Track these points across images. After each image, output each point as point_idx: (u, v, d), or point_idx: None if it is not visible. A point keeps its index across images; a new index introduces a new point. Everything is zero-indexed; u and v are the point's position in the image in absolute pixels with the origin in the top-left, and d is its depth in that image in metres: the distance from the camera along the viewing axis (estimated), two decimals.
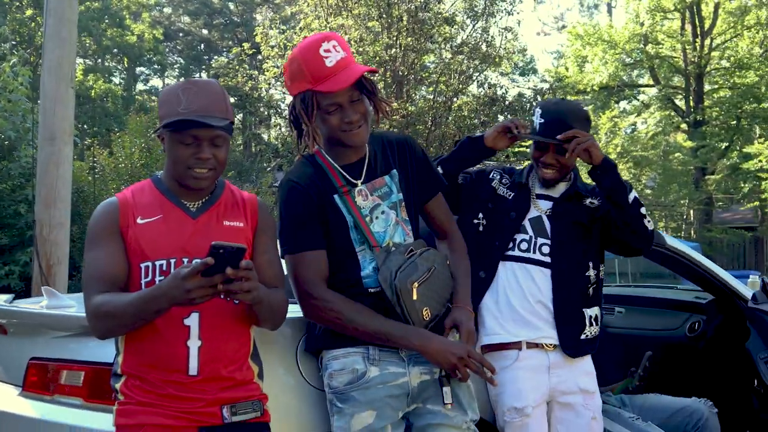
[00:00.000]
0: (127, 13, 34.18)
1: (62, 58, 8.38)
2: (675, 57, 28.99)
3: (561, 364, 3.54)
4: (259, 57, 20.35)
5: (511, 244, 3.60)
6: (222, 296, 2.50)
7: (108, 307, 2.50)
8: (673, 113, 30.05)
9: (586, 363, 3.63)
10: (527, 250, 3.58)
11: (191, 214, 2.68)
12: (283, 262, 2.93)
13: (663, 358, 5.05)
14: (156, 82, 41.83)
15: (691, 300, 5.34)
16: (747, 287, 4.80)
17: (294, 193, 2.95)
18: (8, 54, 13.79)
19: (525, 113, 20.12)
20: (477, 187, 3.71)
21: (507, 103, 18.06)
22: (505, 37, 17.79)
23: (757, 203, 27.60)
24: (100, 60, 36.03)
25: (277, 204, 3.05)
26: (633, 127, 31.30)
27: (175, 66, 41.33)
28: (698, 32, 28.06)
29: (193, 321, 2.57)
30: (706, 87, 29.02)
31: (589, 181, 3.67)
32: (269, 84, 17.47)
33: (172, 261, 2.58)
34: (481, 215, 3.66)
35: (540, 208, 3.66)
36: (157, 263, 2.59)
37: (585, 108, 3.77)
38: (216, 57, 41.93)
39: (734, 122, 28.60)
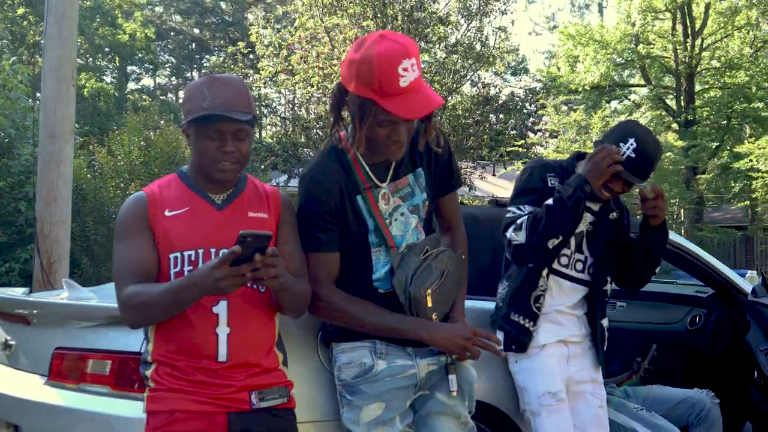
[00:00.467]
0: (119, 12, 34.11)
1: (63, 57, 8.40)
2: (666, 57, 29.10)
3: (577, 354, 3.65)
4: (252, 56, 20.37)
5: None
6: (250, 284, 2.59)
7: (140, 298, 2.57)
8: (664, 113, 30.16)
9: (594, 355, 3.74)
10: (567, 266, 3.64)
11: (217, 206, 2.75)
12: None
13: (664, 350, 5.15)
14: (147, 81, 41.77)
15: (691, 294, 5.44)
16: (746, 281, 4.91)
17: (315, 191, 2.92)
18: (4, 52, 13.79)
19: (517, 113, 20.22)
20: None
21: (501, 102, 18.13)
22: (499, 36, 17.89)
23: (747, 202, 27.75)
24: (91, 59, 35.96)
25: (298, 196, 3.03)
26: None
27: (166, 65, 41.25)
28: (689, 32, 28.17)
29: (221, 309, 2.64)
30: (697, 87, 29.13)
31: None
32: (264, 83, 17.47)
33: (200, 251, 2.66)
34: None
35: (585, 220, 3.66)
36: (186, 254, 2.66)
37: None
38: (207, 56, 41.91)
39: (725, 122, 28.73)
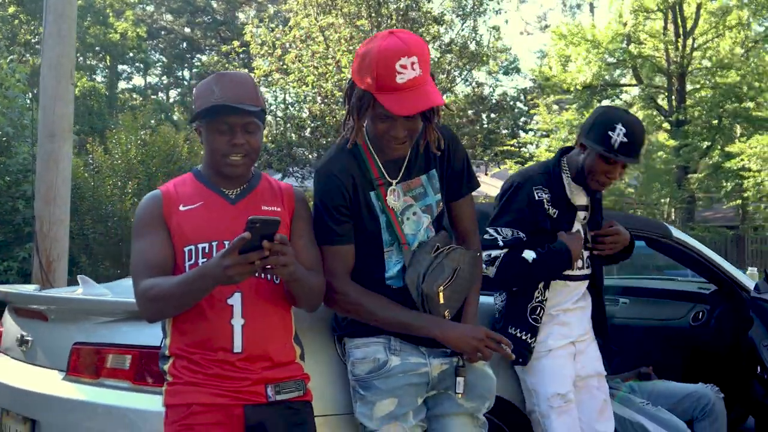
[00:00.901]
0: (111, 11, 34.03)
1: (62, 55, 8.40)
2: (657, 57, 29.20)
3: (582, 350, 3.69)
4: (243, 56, 20.38)
5: None
6: (258, 274, 2.62)
7: (156, 290, 2.61)
8: (655, 112, 30.27)
9: (597, 346, 3.80)
10: (581, 267, 3.69)
11: (230, 200, 2.79)
12: None
13: (668, 346, 5.21)
14: (138, 80, 41.67)
15: (694, 290, 5.50)
16: (748, 278, 4.96)
17: (330, 184, 2.95)
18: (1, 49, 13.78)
19: (509, 112, 20.30)
20: (536, 219, 3.56)
21: (495, 101, 18.19)
22: (493, 36, 17.95)
23: (739, 201, 27.87)
24: (82, 58, 35.86)
25: (313, 190, 3.07)
26: None
27: (157, 64, 41.16)
28: (680, 32, 28.28)
29: (236, 300, 2.67)
30: (688, 86, 29.24)
31: None
32: (258, 82, 17.48)
33: (214, 244, 2.69)
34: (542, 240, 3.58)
35: (579, 218, 3.70)
36: (200, 246, 2.70)
37: None
38: (199, 55, 41.82)
39: (716, 121, 28.87)
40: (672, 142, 27.59)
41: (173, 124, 14.55)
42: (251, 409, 2.66)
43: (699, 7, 28.05)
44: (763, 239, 27.81)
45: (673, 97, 28.81)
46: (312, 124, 16.86)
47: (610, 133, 3.43)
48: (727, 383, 4.58)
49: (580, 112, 27.82)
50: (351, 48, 16.16)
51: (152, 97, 38.02)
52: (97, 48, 34.64)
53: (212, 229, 2.71)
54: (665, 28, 28.94)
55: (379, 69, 2.72)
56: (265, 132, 22.63)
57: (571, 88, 29.09)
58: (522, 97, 20.91)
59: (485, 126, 19.72)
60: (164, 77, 42.67)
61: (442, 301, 2.94)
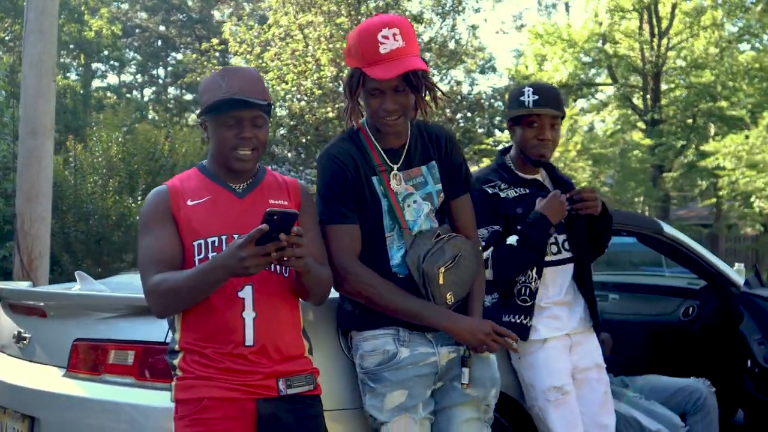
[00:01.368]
0: (86, 9, 33.74)
1: (43, 52, 8.32)
2: (633, 56, 29.40)
3: (579, 342, 3.70)
4: (218, 54, 20.30)
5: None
6: (273, 266, 2.64)
7: (167, 284, 2.60)
8: (630, 112, 30.50)
9: (595, 339, 3.81)
10: (558, 253, 3.71)
11: (238, 194, 2.79)
12: None
13: (659, 341, 5.25)
14: (113, 78, 41.38)
15: (684, 286, 5.55)
16: (737, 273, 5.01)
17: (334, 167, 3.03)
18: None
19: (486, 111, 20.34)
20: (499, 212, 3.61)
21: (474, 100, 18.23)
22: (472, 34, 17.99)
23: (714, 200, 28.12)
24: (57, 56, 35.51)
25: (317, 177, 3.13)
26: (591, 125, 31.71)
27: (132, 62, 40.88)
28: (655, 32, 28.50)
29: (246, 293, 2.67)
30: (663, 86, 29.47)
31: None
32: None
33: (223, 237, 2.69)
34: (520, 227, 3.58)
35: (540, 203, 3.70)
36: (209, 240, 2.69)
37: None
38: (174, 54, 41.58)
39: (690, 121, 29.13)
40: (647, 141, 27.82)
41: (149, 122, 14.37)
42: (263, 403, 2.66)
43: (674, 7, 28.29)
44: (737, 237, 28.09)
45: (648, 96, 29.03)
46: (291, 122, 16.82)
47: (521, 98, 3.63)
48: (718, 377, 4.62)
49: None
50: (330, 46, 16.16)
51: (127, 95, 37.73)
52: (71, 46, 34.33)
53: (221, 223, 2.71)
54: (640, 27, 29.16)
55: (362, 43, 2.91)
56: None
57: None
58: (498, 96, 20.92)
59: (461, 125, 19.71)
60: (139, 75, 42.39)
61: (442, 281, 2.98)
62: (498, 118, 23.88)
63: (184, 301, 2.63)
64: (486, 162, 25.44)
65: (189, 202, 2.74)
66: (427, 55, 17.27)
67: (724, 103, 28.28)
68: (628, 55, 29.57)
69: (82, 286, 3.74)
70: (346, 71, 14.96)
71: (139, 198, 10.03)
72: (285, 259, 2.46)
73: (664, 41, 28.43)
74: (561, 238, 3.70)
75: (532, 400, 3.60)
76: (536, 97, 3.59)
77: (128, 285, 4.06)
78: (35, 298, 3.61)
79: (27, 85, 8.29)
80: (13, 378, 3.54)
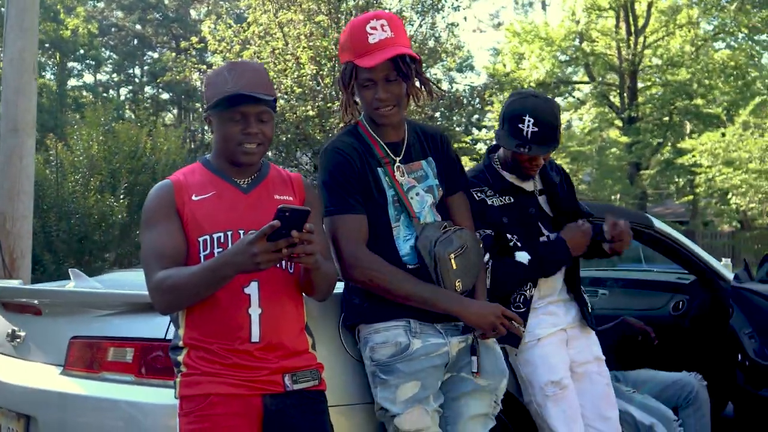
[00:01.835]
0: (61, 7, 33.51)
1: (25, 49, 8.23)
2: (609, 54, 29.59)
3: (576, 336, 3.71)
4: (195, 53, 20.21)
5: None
6: (283, 263, 2.63)
7: (172, 280, 2.57)
8: (607, 109, 30.67)
9: (593, 333, 3.82)
10: None
11: (243, 189, 2.77)
12: None
13: (649, 336, 5.27)
14: (88, 77, 41.08)
15: (673, 281, 5.58)
16: (726, 268, 5.05)
17: (339, 159, 3.06)
18: None
19: (466, 108, 20.37)
20: (487, 219, 3.57)
21: (453, 98, 18.24)
22: (452, 32, 17.99)
23: (691, 197, 28.33)
24: None
25: (320, 169, 3.16)
26: (568, 122, 31.86)
27: (108, 61, 40.61)
28: (632, 30, 28.68)
29: (252, 289, 2.66)
30: (640, 84, 29.68)
31: None
32: None
33: (229, 233, 2.67)
34: (509, 236, 3.58)
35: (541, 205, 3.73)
36: (215, 236, 2.67)
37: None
38: (150, 53, 41.37)
39: (667, 119, 29.34)
40: (624, 139, 27.99)
41: (125, 121, 14.30)
42: (269, 398, 2.65)
43: (650, 5, 28.49)
44: (714, 234, 28.30)
45: (625, 94, 29.22)
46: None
47: (519, 125, 3.46)
48: (708, 371, 4.65)
49: None
50: (310, 44, 16.11)
51: (104, 95, 37.48)
52: (47, 45, 34.07)
53: (227, 218, 2.69)
54: (617, 26, 29.34)
55: (352, 36, 3.03)
56: None
57: (525, 85, 29.35)
58: (478, 94, 20.96)
59: (439, 123, 19.74)
60: (115, 75, 42.11)
61: (454, 266, 3.01)
62: (476, 117, 23.97)
63: (189, 298, 2.60)
64: (465, 161, 25.54)
65: (194, 197, 2.72)
66: None
67: (700, 101, 28.53)
68: (604, 53, 29.76)
69: (76, 283, 3.70)
70: (326, 69, 14.92)
71: (122, 197, 9.95)
72: (295, 255, 2.44)
73: (641, 39, 28.62)
74: (553, 236, 3.70)
75: (530, 396, 3.60)
76: (536, 129, 3.44)
77: (123, 282, 4.03)
78: (32, 296, 3.57)
79: (8, 83, 8.20)
80: (8, 377, 3.50)
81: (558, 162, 3.82)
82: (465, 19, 26.90)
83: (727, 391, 4.86)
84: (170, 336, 2.88)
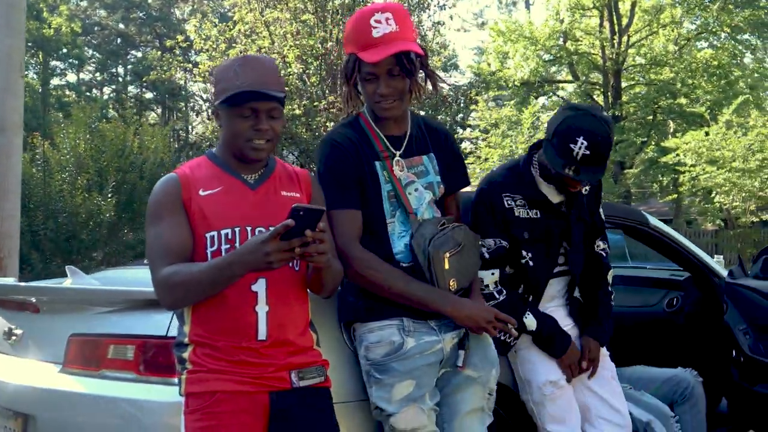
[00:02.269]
0: (44, 6, 33.31)
1: (12, 47, 8.18)
2: (593, 54, 29.68)
3: (575, 335, 3.71)
4: (179, 52, 20.16)
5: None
6: (293, 262, 2.61)
7: (180, 276, 2.54)
8: None
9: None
10: (564, 264, 3.70)
11: (250, 185, 2.74)
12: None
13: (644, 332, 5.29)
14: (71, 77, 40.87)
15: (667, 277, 5.60)
16: (720, 265, 5.08)
17: (335, 152, 3.04)
18: None
19: (451, 107, 20.39)
20: (507, 229, 3.50)
21: (440, 97, 18.24)
22: (438, 31, 17.99)
23: (675, 196, 28.45)
24: None
25: (317, 161, 3.13)
26: None
27: (91, 60, 40.41)
28: (616, 29, 28.76)
29: (260, 287, 2.63)
30: (624, 83, 29.77)
31: None
32: (203, 77, 17.30)
33: (237, 229, 2.64)
34: (524, 252, 3.53)
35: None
36: (222, 232, 2.64)
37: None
38: (133, 52, 41.20)
39: (650, 118, 29.46)
40: None
41: (109, 120, 14.20)
42: (276, 395, 2.63)
43: (633, 5, 28.59)
44: (698, 233, 28.40)
45: (609, 93, 29.29)
46: None
47: (571, 145, 3.27)
48: (703, 367, 4.67)
49: (518, 108, 28.13)
50: (296, 43, 16.09)
51: (87, 94, 37.30)
52: (30, 43, 33.86)
53: (234, 214, 2.66)
54: (601, 25, 29.43)
55: (356, 28, 3.00)
56: (209, 128, 22.50)
57: (510, 85, 29.41)
58: (462, 93, 20.98)
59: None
60: (98, 74, 41.91)
61: (447, 266, 3.00)
62: (461, 116, 23.96)
63: (197, 295, 2.58)
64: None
65: (201, 192, 2.68)
66: None
67: (683, 100, 28.66)
68: (588, 52, 29.86)
69: (73, 280, 3.67)
70: (312, 68, 14.87)
71: (109, 195, 9.89)
72: (307, 255, 2.42)
73: (624, 39, 28.71)
74: (568, 248, 3.68)
75: (528, 394, 3.59)
76: (587, 152, 3.24)
77: (119, 280, 4.01)
78: (31, 294, 3.53)
79: None
80: (5, 375, 3.47)
81: None
82: (451, 18, 26.79)
83: (721, 387, 4.88)
84: (172, 333, 2.86)
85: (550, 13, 29.96)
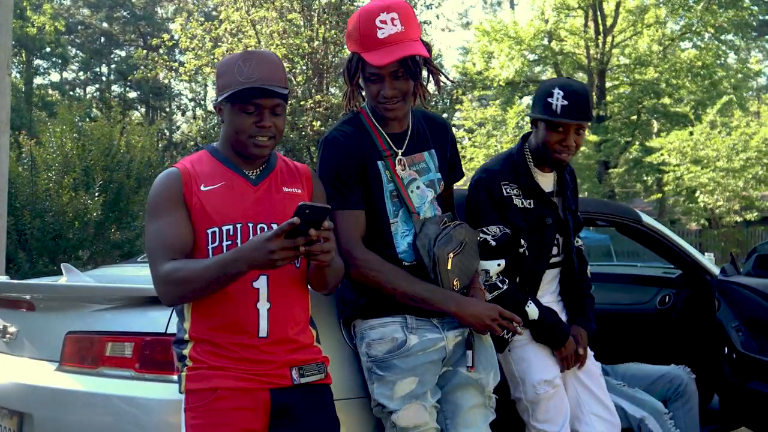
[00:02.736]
0: (28, 4, 33.12)
1: None
2: (578, 53, 29.82)
3: None
4: (161, 50, 20.09)
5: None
6: (297, 261, 2.59)
7: (182, 273, 2.51)
8: None
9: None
10: (557, 255, 3.70)
11: (252, 181, 2.72)
12: None
13: (636, 330, 5.31)
14: (55, 76, 40.67)
15: (659, 275, 5.62)
16: (712, 262, 5.09)
17: (336, 150, 3.00)
18: None
19: (436, 106, 20.41)
20: (506, 217, 3.51)
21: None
22: (424, 31, 18.01)
23: (659, 195, 28.60)
24: None
25: (319, 160, 3.09)
26: None
27: (75, 59, 40.22)
28: (600, 30, 28.93)
29: (261, 284, 2.61)
30: (608, 83, 29.92)
31: None
32: (189, 76, 17.24)
33: (238, 226, 2.62)
34: (522, 241, 3.52)
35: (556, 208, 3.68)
36: (224, 228, 2.61)
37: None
38: (117, 51, 41.05)
39: (635, 117, 29.61)
40: (593, 138, 28.16)
41: (92, 120, 14.03)
42: (277, 392, 2.61)
43: (618, 5, 28.75)
44: (682, 232, 28.54)
45: (594, 93, 29.40)
46: None
47: (549, 99, 3.41)
48: (696, 364, 4.68)
49: (503, 108, 28.22)
50: (283, 42, 16.07)
51: (70, 93, 37.12)
52: (13, 42, 33.69)
53: (236, 210, 2.64)
54: (585, 25, 29.57)
55: (361, 27, 2.90)
56: (195, 128, 22.40)
57: (495, 84, 29.49)
58: (445, 93, 21.02)
59: None
60: (81, 73, 41.71)
61: (450, 267, 2.98)
62: (445, 115, 24.00)
63: (199, 292, 2.54)
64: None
65: (202, 188, 2.65)
66: None
67: (667, 100, 28.84)
68: (573, 52, 29.99)
69: (69, 278, 3.64)
70: (299, 67, 14.83)
71: (96, 194, 9.84)
72: (314, 253, 2.39)
73: (609, 39, 28.87)
74: (561, 239, 3.69)
75: (521, 393, 3.57)
76: (566, 102, 3.38)
77: (114, 277, 3.98)
78: (26, 291, 3.49)
79: None
80: (0, 373, 3.44)
81: None
82: (438, 17, 26.86)
83: (713, 383, 4.90)
84: (171, 330, 2.84)
85: (535, 13, 30.10)
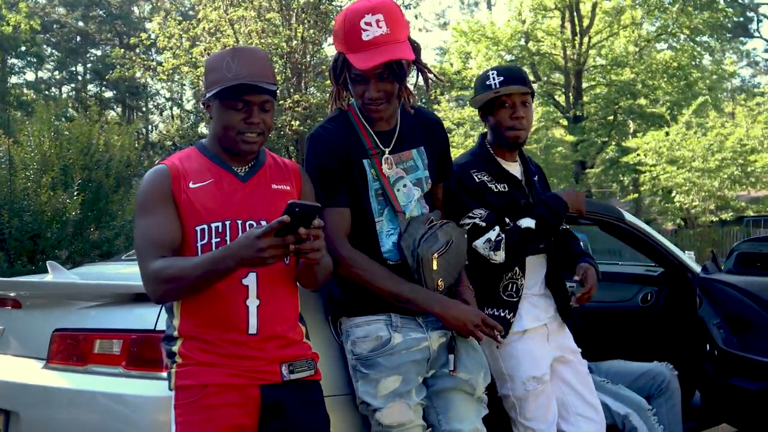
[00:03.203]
0: (2, 3, 32.86)
1: None
2: (555, 54, 29.95)
3: (555, 330, 3.73)
4: (137, 50, 20.00)
5: None
6: (287, 258, 2.58)
7: (171, 270, 2.50)
8: (553, 109, 31.00)
9: (566, 326, 3.85)
10: None
11: (240, 178, 2.71)
12: None
13: (619, 327, 5.34)
14: (30, 75, 40.36)
15: (641, 273, 5.66)
16: (692, 260, 5.14)
17: (322, 147, 2.99)
18: None
19: (414, 106, 20.44)
20: (486, 202, 3.55)
21: None
22: None
23: (636, 195, 28.79)
24: None
25: (305, 157, 3.07)
26: None
27: (50, 59, 39.93)
28: (577, 30, 29.08)
29: (251, 281, 2.61)
30: (585, 84, 30.08)
31: None
32: (167, 75, 17.17)
33: (227, 223, 2.62)
34: (507, 220, 3.55)
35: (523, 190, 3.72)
36: (213, 225, 2.61)
37: None
38: (93, 50, 40.80)
39: (611, 118, 29.78)
40: (570, 138, 28.33)
41: (68, 119, 13.90)
42: (267, 388, 2.61)
43: (594, 6, 28.90)
44: (658, 231, 28.77)
45: (570, 93, 29.60)
46: None
47: (487, 82, 3.54)
48: (678, 361, 4.72)
49: None
50: (261, 41, 16.03)
51: (45, 92, 36.86)
52: None
53: (225, 207, 2.63)
54: (562, 26, 29.71)
55: (345, 29, 2.88)
56: (174, 127, 22.30)
57: (472, 84, 29.52)
58: (422, 94, 21.04)
59: None
60: (57, 72, 41.42)
61: (435, 267, 2.98)
62: None
63: (188, 289, 2.54)
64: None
65: (191, 185, 2.65)
66: None
67: (643, 101, 29.04)
68: (550, 53, 30.12)
69: (54, 275, 3.62)
70: (277, 67, 14.79)
71: (75, 194, 9.75)
72: (303, 251, 2.39)
73: (585, 40, 29.03)
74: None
75: (509, 390, 3.57)
76: (501, 78, 3.53)
77: (99, 275, 3.95)
78: (11, 289, 3.47)
79: None
80: None
81: None
82: (416, 17, 26.85)
83: (695, 380, 4.94)
84: (160, 327, 2.83)
85: (512, 14, 30.21)
